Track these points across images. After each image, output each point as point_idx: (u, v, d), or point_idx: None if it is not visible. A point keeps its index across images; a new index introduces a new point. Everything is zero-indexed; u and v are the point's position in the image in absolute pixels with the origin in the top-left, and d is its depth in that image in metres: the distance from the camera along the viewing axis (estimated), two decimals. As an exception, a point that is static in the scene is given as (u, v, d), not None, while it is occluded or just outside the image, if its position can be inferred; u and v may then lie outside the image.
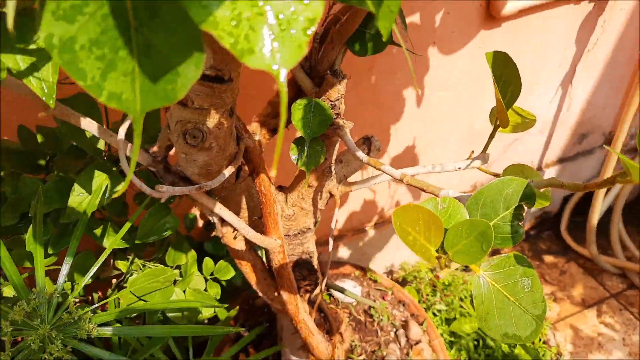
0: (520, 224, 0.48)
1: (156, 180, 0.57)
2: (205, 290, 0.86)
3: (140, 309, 0.61)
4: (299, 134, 0.66)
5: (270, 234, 0.68)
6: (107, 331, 0.51)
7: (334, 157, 0.72)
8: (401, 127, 1.31)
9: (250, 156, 0.62)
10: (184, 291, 0.82)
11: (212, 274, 0.88)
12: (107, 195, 0.64)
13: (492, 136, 0.68)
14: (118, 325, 0.63)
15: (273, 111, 0.76)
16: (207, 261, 0.87)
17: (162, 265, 0.77)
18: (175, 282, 0.82)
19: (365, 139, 0.78)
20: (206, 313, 0.95)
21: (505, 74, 0.59)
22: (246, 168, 0.66)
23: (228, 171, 0.56)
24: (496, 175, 0.71)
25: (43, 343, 0.47)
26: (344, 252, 1.57)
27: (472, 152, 0.73)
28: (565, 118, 1.65)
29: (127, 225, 0.62)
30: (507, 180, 0.46)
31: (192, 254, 0.84)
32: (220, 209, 0.62)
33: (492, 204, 0.46)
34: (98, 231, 0.71)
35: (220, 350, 1.19)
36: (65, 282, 0.54)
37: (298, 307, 0.76)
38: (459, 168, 0.72)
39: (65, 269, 0.55)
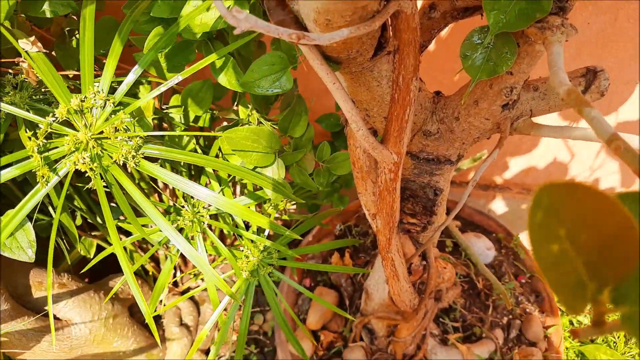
0: None
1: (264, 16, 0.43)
2: (311, 175, 0.75)
3: (213, 165, 0.52)
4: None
5: (387, 144, 0.50)
6: (152, 169, 0.43)
7: (525, 75, 0.48)
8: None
9: (399, 26, 0.43)
10: (288, 167, 0.72)
11: (325, 162, 0.76)
12: (222, 19, 0.52)
13: None
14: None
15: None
16: (324, 146, 0.74)
17: (271, 128, 0.67)
18: (282, 153, 0.72)
19: (588, 71, 0.51)
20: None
21: None
22: (392, 42, 0.48)
23: (351, 30, 0.38)
24: None
25: (76, 150, 0.41)
26: (499, 206, 1.32)
27: None
28: None
29: (229, 47, 0.50)
30: None
31: (310, 131, 0.71)
32: (333, 85, 0.46)
33: None
34: (219, 62, 0.62)
35: (318, 240, 1.12)
36: (127, 90, 0.47)
37: (390, 242, 0.60)
38: None
39: (130, 77, 0.47)
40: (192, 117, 0.83)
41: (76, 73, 0.82)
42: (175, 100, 0.85)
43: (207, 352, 1.17)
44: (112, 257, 0.78)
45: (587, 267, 0.19)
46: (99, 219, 0.93)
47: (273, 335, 1.19)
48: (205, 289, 0.80)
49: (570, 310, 0.20)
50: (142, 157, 0.43)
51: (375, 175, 0.65)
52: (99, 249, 0.98)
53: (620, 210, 0.18)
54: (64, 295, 0.81)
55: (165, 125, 0.96)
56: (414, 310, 0.80)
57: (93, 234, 0.97)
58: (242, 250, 0.72)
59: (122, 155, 0.41)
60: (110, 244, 0.96)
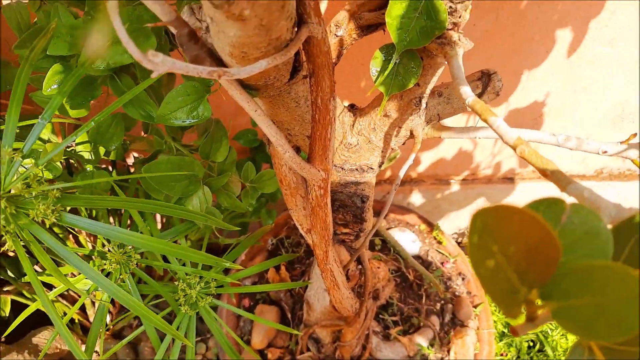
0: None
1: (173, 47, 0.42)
2: (239, 197, 0.74)
3: (138, 206, 0.50)
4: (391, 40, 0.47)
5: (314, 162, 0.52)
6: (74, 222, 0.41)
7: (431, 85, 0.52)
8: (535, 76, 1.03)
9: (312, 51, 0.45)
10: (215, 191, 0.71)
11: (251, 182, 0.76)
12: (127, 54, 0.51)
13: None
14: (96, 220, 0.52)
15: (372, 0, 0.56)
16: (248, 166, 0.74)
17: (191, 156, 0.65)
18: (207, 177, 0.70)
19: (483, 74, 0.56)
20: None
21: None
22: (307, 66, 0.49)
23: (268, 61, 0.39)
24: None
25: (-15, 212, 0.37)
26: (416, 199, 1.39)
27: (635, 135, 0.50)
28: None
29: (141, 86, 0.48)
30: None
31: (233, 154, 0.71)
32: (254, 112, 0.46)
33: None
34: (127, 96, 0.59)
35: (251, 259, 1.11)
36: (34, 142, 0.44)
37: (327, 254, 0.62)
38: (605, 152, 0.50)
39: (38, 128, 0.44)
40: (102, 152, 0.79)
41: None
42: (82, 136, 0.80)
43: (149, 392, 1.11)
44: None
45: (518, 274, 0.22)
46: (10, 273, 0.85)
47: (217, 362, 1.16)
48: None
49: (508, 315, 0.22)
50: (62, 210, 0.41)
51: (304, 191, 0.67)
52: (14, 305, 0.90)
53: (540, 222, 0.20)
54: (-21, 366, 0.73)
55: (72, 161, 0.89)
56: (356, 314, 0.83)
57: (5, 289, 0.88)
58: (177, 284, 0.69)
59: (41, 212, 0.38)
60: (28, 298, 0.88)
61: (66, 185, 0.43)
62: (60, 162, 0.67)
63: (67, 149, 0.70)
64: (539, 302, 0.24)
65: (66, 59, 0.60)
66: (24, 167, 0.50)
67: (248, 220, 1.09)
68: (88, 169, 0.75)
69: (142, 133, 0.86)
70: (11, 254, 0.93)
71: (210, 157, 0.68)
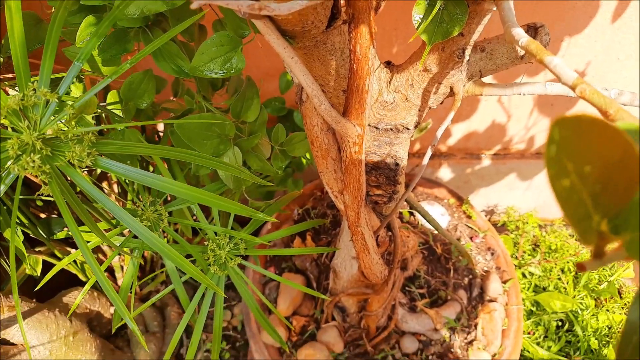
0: None
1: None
2: (269, 160, 0.73)
3: (172, 154, 0.49)
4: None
5: (350, 116, 0.50)
6: (109, 166, 0.40)
7: (476, 35, 0.49)
8: (576, 43, 0.98)
9: (353, -6, 0.43)
10: (244, 153, 0.70)
11: (281, 145, 0.75)
12: (160, 1, 0.49)
13: None
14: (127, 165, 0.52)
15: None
16: (279, 128, 0.73)
17: (221, 114, 0.64)
18: (237, 138, 0.69)
19: (529, 27, 0.53)
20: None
21: None
22: (347, 11, 0.47)
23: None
24: None
25: (23, 153, 0.37)
26: (445, 173, 1.36)
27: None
28: None
29: (175, 30, 0.47)
30: None
31: (264, 114, 0.70)
32: (291, 59, 0.44)
33: None
34: (161, 50, 0.59)
35: (277, 228, 1.11)
36: (69, 86, 0.43)
37: (359, 216, 0.60)
38: (662, 108, 0.47)
39: (74, 70, 0.43)
40: (133, 111, 0.79)
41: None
42: (112, 96, 0.80)
43: (176, 355, 1.13)
44: (60, 271, 0.73)
45: (592, 199, 0.20)
46: (42, 233, 0.86)
47: (243, 329, 1.17)
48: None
49: (583, 241, 0.20)
50: (98, 154, 0.40)
51: (335, 153, 0.65)
52: (45, 265, 0.92)
53: (622, 138, 0.18)
54: (15, 318, 0.75)
55: (103, 126, 0.90)
56: (383, 282, 0.82)
57: (37, 249, 0.90)
58: (207, 244, 0.69)
59: (77, 154, 0.38)
60: (59, 259, 0.90)
61: (100, 128, 0.43)
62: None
63: (99, 105, 0.70)
64: (614, 239, 0.22)
65: (98, 11, 0.59)
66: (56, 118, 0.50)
67: (274, 188, 1.08)
68: (119, 129, 0.75)
69: (172, 97, 0.85)
70: (43, 215, 0.95)
71: (241, 116, 0.67)
